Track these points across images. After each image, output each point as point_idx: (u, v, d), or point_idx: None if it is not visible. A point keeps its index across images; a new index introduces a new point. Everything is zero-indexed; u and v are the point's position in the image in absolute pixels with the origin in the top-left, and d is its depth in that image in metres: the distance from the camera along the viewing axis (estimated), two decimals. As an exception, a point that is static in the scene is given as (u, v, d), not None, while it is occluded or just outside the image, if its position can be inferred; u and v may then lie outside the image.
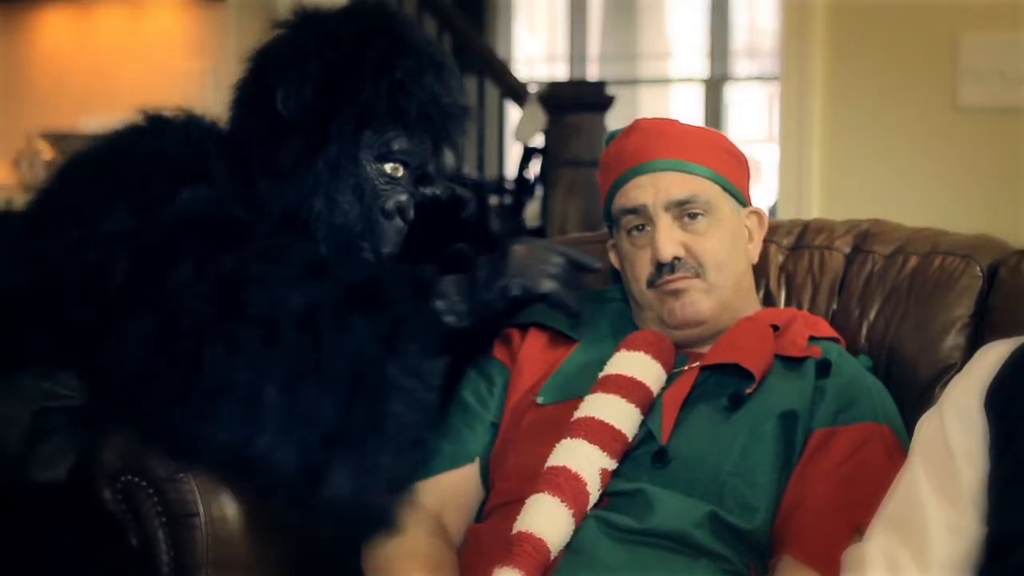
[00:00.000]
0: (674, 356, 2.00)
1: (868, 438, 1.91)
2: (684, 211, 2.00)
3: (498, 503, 1.98)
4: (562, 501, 1.86)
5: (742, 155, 2.09)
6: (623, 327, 2.07)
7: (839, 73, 3.77)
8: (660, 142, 2.03)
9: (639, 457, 1.93)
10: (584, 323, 2.09)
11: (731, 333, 2.02)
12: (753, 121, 7.19)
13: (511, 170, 5.81)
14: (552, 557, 1.83)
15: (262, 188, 2.06)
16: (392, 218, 2.11)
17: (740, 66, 7.22)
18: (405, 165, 2.11)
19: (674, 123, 2.08)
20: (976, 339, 2.07)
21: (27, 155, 6.10)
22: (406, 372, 1.91)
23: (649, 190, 2.01)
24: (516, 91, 5.52)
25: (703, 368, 1.99)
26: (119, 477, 1.99)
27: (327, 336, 1.87)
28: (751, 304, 2.08)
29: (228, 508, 1.98)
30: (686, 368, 2.01)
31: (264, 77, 2.11)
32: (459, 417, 2.07)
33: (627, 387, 1.94)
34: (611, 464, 1.91)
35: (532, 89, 5.45)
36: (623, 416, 1.93)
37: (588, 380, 2.01)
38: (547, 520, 1.84)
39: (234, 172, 2.06)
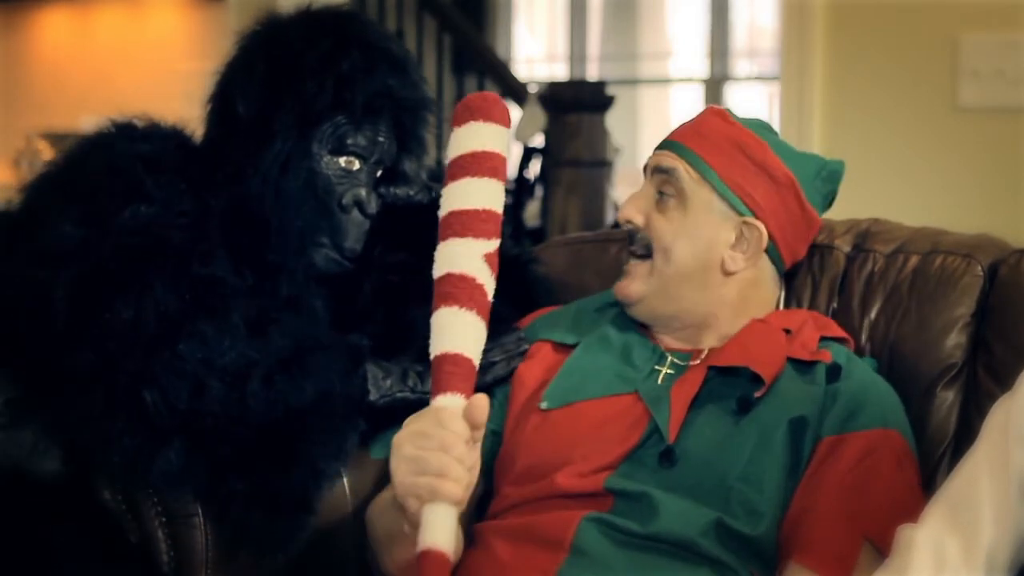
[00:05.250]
0: (508, 115, 1.90)
1: (877, 445, 1.91)
2: (663, 182, 2.03)
3: (506, 506, 1.97)
4: (461, 307, 1.79)
5: (777, 169, 2.03)
6: (624, 328, 2.08)
7: (839, 73, 3.77)
8: (691, 129, 2.07)
9: (644, 455, 1.93)
10: (586, 330, 2.10)
11: (742, 335, 2.02)
12: (753, 121, 7.18)
13: (511, 170, 5.81)
14: (476, 367, 1.78)
15: (218, 191, 2.06)
16: (350, 212, 2.11)
17: (740, 66, 7.22)
18: (362, 159, 2.12)
19: (718, 118, 2.07)
20: (977, 338, 2.08)
21: (27, 155, 6.12)
22: (320, 443, 1.93)
23: (654, 160, 2.07)
24: (516, 91, 5.52)
25: (710, 368, 1.99)
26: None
27: (251, 398, 1.89)
28: (729, 309, 2.04)
29: (228, 508, 1.98)
30: (692, 364, 2.01)
31: (226, 85, 2.13)
32: None
33: (475, 167, 1.85)
34: (491, 246, 1.83)
35: (532, 89, 5.46)
36: (484, 194, 1.84)
37: (591, 382, 2.02)
38: (461, 334, 1.78)
39: (190, 180, 2.05)
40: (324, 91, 2.07)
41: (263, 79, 2.08)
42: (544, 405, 2.02)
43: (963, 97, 3.59)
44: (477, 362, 1.77)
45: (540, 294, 2.26)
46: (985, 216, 3.25)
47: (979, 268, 2.11)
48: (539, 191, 5.29)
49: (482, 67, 5.64)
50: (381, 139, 2.13)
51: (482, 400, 1.71)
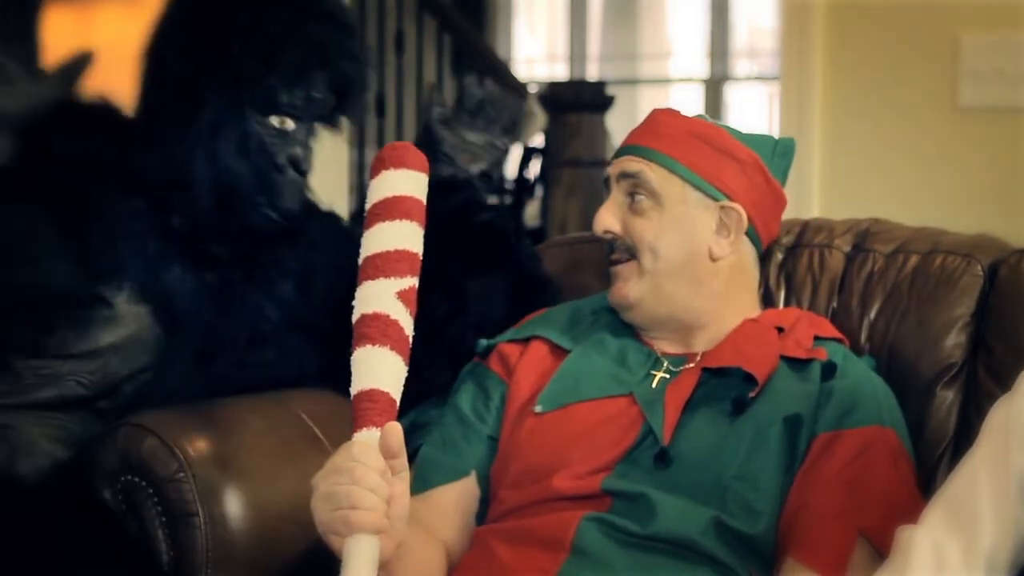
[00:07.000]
0: (422, 161, 1.88)
1: (872, 442, 1.91)
2: (632, 186, 2.04)
3: (504, 511, 1.97)
4: (375, 345, 1.74)
5: (739, 151, 2.06)
6: (619, 332, 2.08)
7: (839, 73, 3.77)
8: (645, 130, 2.09)
9: (640, 457, 1.93)
10: (582, 334, 2.10)
11: (734, 336, 2.02)
12: (753, 121, 7.19)
13: (511, 170, 5.82)
14: (396, 404, 1.74)
15: (147, 160, 2.05)
16: (285, 172, 2.10)
17: (740, 66, 7.23)
18: (296, 119, 2.10)
19: (670, 115, 2.10)
20: (977, 338, 2.08)
21: (27, 155, 6.09)
22: None
23: (616, 167, 2.08)
24: (516, 91, 5.52)
25: (704, 369, 1.99)
26: (119, 477, 1.99)
27: None
28: (719, 302, 2.05)
29: (228, 508, 1.98)
30: (686, 367, 2.01)
31: (158, 46, 2.13)
32: (457, 430, 2.07)
33: (387, 212, 1.83)
34: (405, 283, 1.80)
35: (532, 89, 5.46)
36: (396, 235, 1.82)
37: (586, 384, 2.02)
38: (375, 371, 1.74)
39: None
40: (251, 52, 2.05)
41: (192, 45, 2.06)
42: (538, 409, 2.02)
43: (963, 97, 3.59)
44: (396, 395, 1.73)
45: (545, 296, 2.26)
46: (985, 216, 3.25)
47: (979, 268, 2.11)
48: (539, 191, 5.30)
49: (482, 67, 5.64)
50: (317, 95, 2.11)
51: (394, 428, 1.67)
